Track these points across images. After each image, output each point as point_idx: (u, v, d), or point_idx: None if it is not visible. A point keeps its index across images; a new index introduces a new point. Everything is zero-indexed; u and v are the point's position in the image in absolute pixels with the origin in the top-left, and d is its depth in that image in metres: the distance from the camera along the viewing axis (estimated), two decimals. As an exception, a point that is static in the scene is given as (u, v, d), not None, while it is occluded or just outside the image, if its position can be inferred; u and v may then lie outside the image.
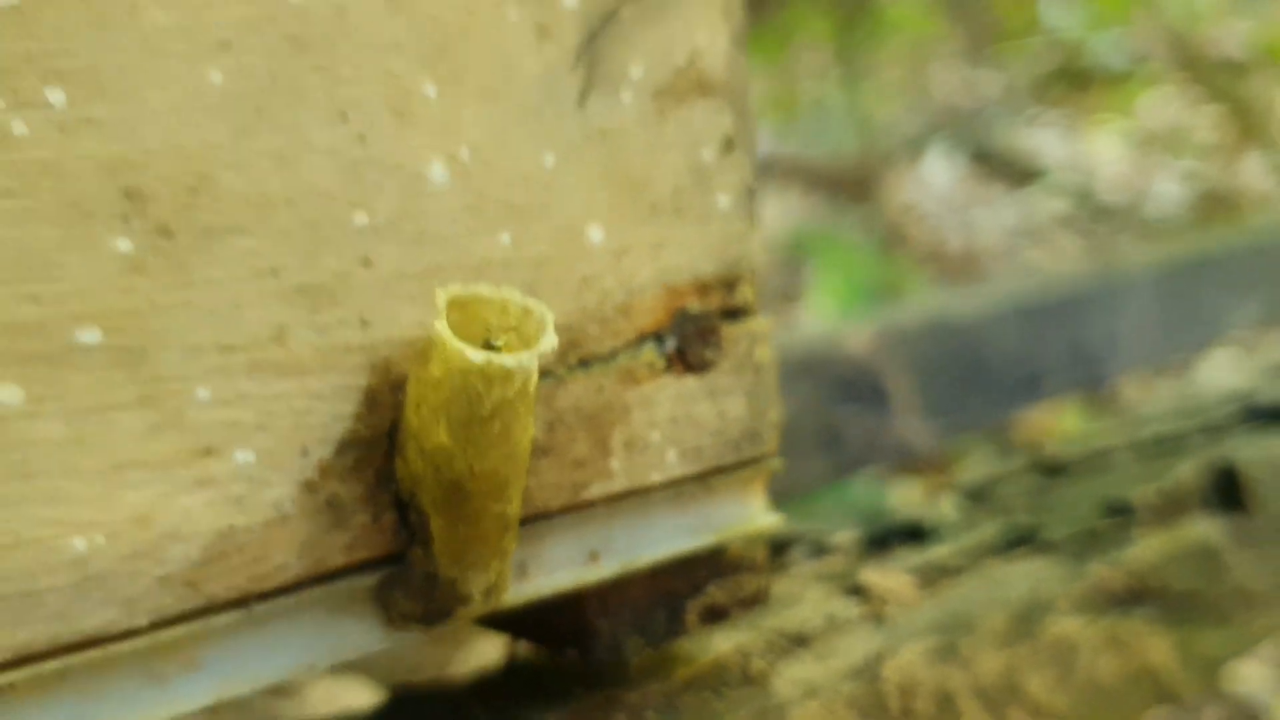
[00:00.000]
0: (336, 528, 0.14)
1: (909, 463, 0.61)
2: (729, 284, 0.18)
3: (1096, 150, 3.81)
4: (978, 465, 0.37)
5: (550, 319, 0.13)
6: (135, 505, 0.12)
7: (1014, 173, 3.30)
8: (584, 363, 0.16)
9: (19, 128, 0.12)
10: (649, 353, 0.17)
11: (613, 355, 0.16)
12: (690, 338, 0.17)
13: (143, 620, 0.13)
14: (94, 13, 0.12)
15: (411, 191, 0.14)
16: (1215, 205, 3.26)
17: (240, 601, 0.13)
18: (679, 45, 0.16)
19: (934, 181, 3.38)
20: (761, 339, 0.18)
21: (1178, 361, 0.92)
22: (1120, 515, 0.26)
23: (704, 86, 0.17)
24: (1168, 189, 3.40)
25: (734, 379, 0.18)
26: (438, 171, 0.15)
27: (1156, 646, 0.25)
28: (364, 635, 0.15)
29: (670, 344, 0.17)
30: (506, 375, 0.13)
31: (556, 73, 0.16)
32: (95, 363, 0.12)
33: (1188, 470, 0.29)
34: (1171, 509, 0.27)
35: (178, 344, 0.13)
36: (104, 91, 0.12)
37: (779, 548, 0.24)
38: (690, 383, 0.17)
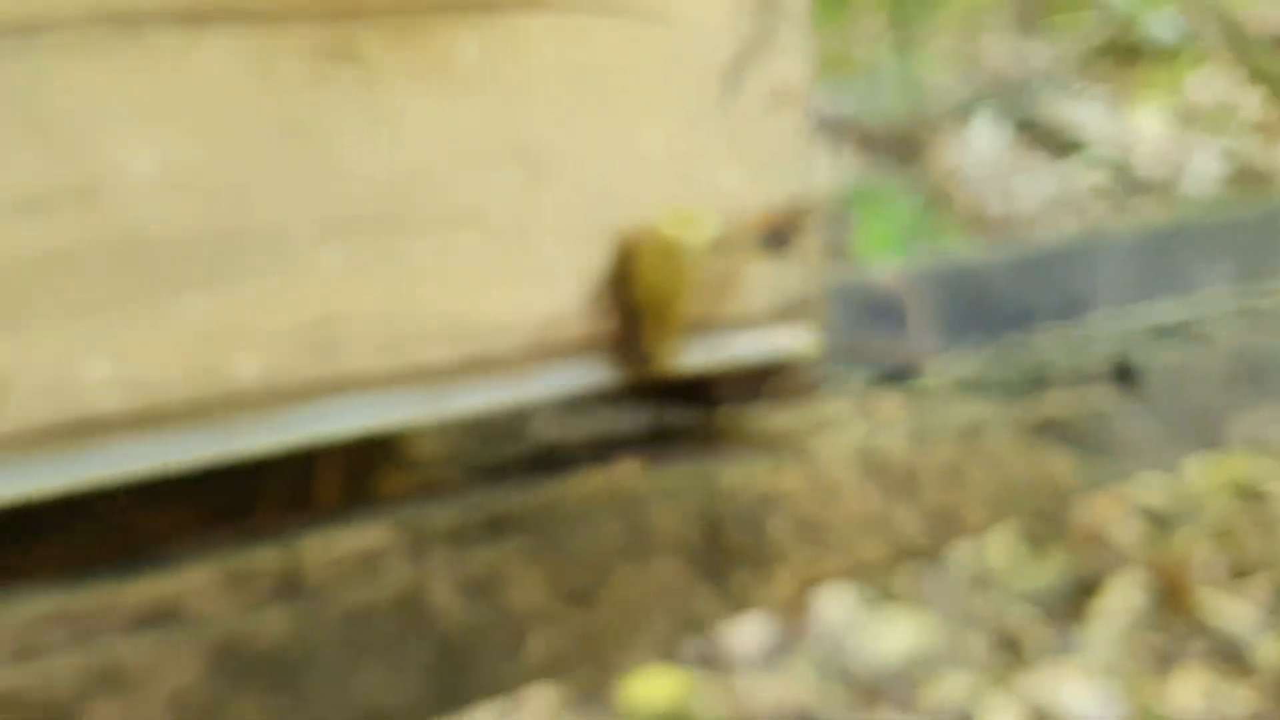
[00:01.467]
0: (595, 319, 0.28)
1: (917, 364, 0.75)
2: (798, 210, 0.32)
3: (1139, 124, 3.87)
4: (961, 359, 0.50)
5: (715, 221, 0.27)
6: (522, 298, 0.27)
7: (1056, 143, 3.38)
8: (714, 243, 0.30)
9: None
10: (751, 243, 0.31)
11: (730, 242, 0.31)
12: (774, 237, 0.31)
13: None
14: None
15: (643, 154, 0.29)
16: (1251, 182, 3.33)
17: (556, 354, 0.28)
18: (782, 75, 0.30)
19: (979, 147, 3.46)
20: (816, 245, 0.32)
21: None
22: (1043, 382, 0.40)
23: (787, 98, 0.31)
24: (1205, 165, 3.46)
25: (797, 264, 0.32)
26: (654, 146, 0.29)
27: (1058, 463, 0.39)
28: (601, 377, 0.29)
29: (764, 240, 0.31)
30: (692, 243, 0.27)
31: (712, 93, 0.30)
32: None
33: (1099, 357, 0.43)
34: (1081, 380, 0.41)
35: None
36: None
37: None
38: (773, 264, 0.31)
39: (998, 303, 0.73)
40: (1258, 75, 2.65)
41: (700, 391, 0.32)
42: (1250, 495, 1.79)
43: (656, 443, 0.32)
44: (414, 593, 0.25)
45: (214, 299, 0.23)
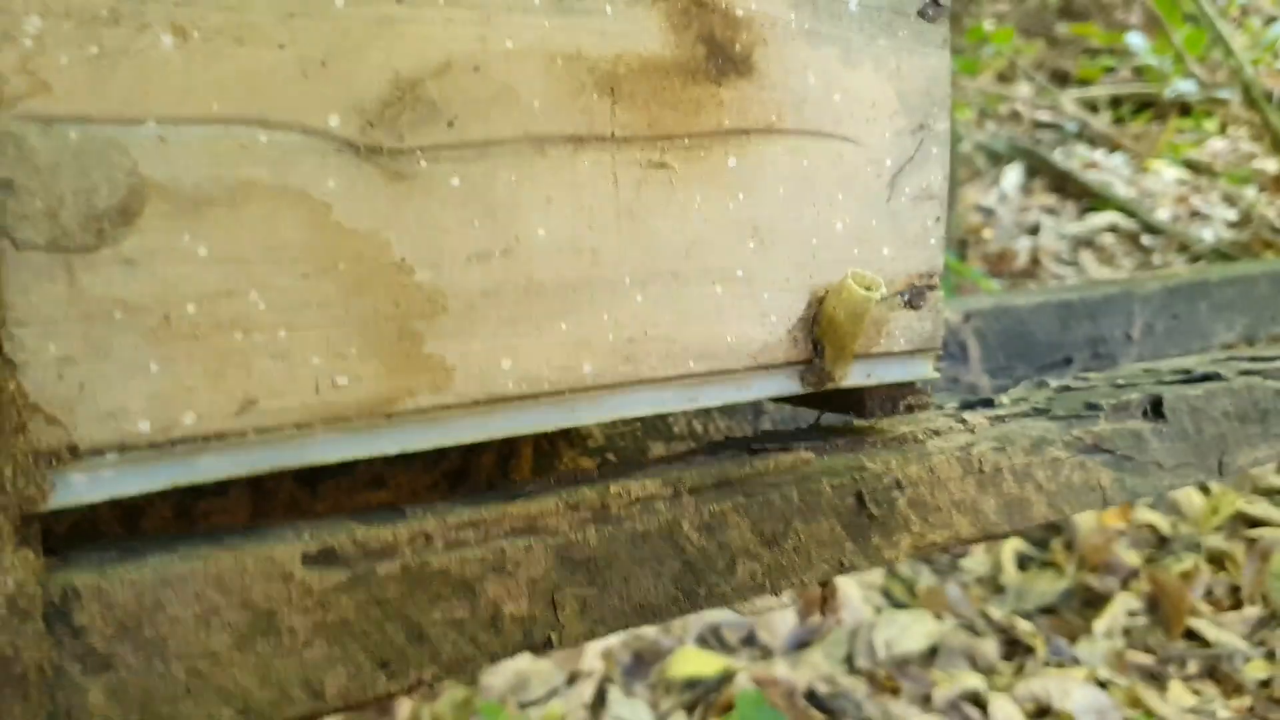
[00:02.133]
0: (794, 347, 0.40)
1: (979, 391, 0.86)
2: (930, 274, 0.44)
3: (1160, 173, 3.98)
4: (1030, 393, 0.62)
5: (883, 284, 0.39)
6: (749, 331, 0.39)
7: (1081, 189, 3.49)
8: (879, 302, 0.42)
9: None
10: (898, 299, 0.43)
11: (886, 299, 0.43)
12: (914, 296, 0.43)
13: (743, 365, 0.39)
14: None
15: (832, 231, 0.41)
16: (1259, 231, 3.44)
17: (766, 369, 0.40)
18: (928, 179, 0.42)
19: (1008, 191, 3.58)
20: (940, 300, 0.44)
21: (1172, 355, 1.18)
22: (1095, 410, 0.52)
23: (931, 195, 0.43)
24: (1217, 214, 3.58)
25: (928, 314, 0.44)
26: (840, 227, 0.41)
27: (1104, 475, 0.51)
28: (793, 387, 0.41)
29: (907, 296, 0.43)
30: (867, 299, 0.39)
31: (882, 190, 0.42)
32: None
33: (1137, 395, 0.54)
34: (1123, 412, 0.53)
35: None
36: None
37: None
38: (911, 313, 0.43)
39: (1041, 342, 0.85)
40: (1272, 133, 2.76)
41: (855, 403, 0.44)
42: (1247, 526, 1.90)
43: (822, 438, 0.44)
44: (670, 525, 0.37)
45: (573, 323, 0.35)
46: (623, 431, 0.61)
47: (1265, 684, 1.72)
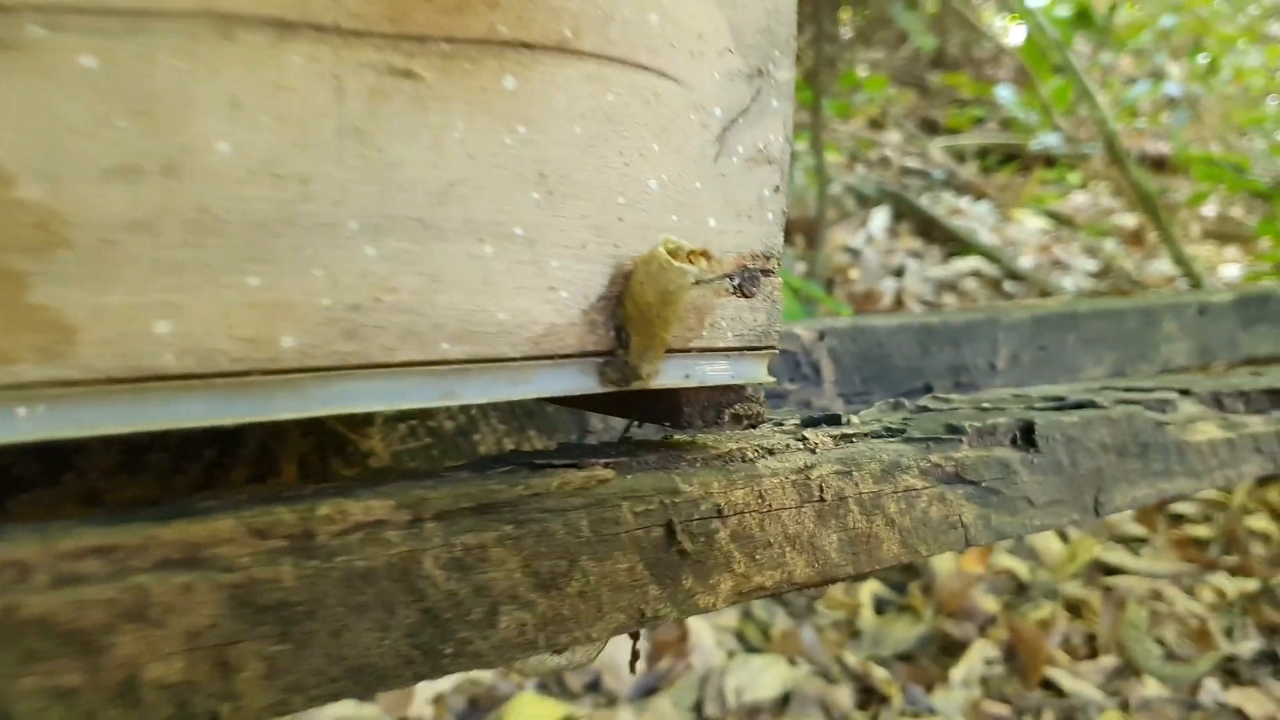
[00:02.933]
0: (590, 333, 0.31)
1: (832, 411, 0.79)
2: (767, 256, 0.35)
3: (1023, 223, 4.07)
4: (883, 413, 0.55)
5: (705, 257, 0.31)
6: (529, 307, 0.30)
7: (946, 235, 3.54)
8: (700, 283, 0.34)
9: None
10: (727, 283, 0.34)
11: (711, 281, 0.34)
12: (746, 280, 0.35)
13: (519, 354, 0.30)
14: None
15: (644, 190, 0.32)
16: (1117, 282, 3.52)
17: (552, 359, 0.31)
18: (767, 138, 0.34)
19: (875, 234, 3.60)
20: (777, 287, 0.36)
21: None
22: (958, 434, 0.45)
23: (770, 159, 0.35)
24: (1078, 264, 3.66)
25: (762, 304, 0.36)
26: (654, 185, 0.32)
27: (966, 511, 0.43)
28: (589, 384, 0.32)
29: (737, 280, 0.35)
30: (683, 273, 0.30)
31: (708, 145, 0.33)
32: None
33: (1006, 420, 0.47)
34: (989, 438, 0.46)
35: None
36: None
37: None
38: (742, 302, 0.35)
39: (900, 366, 0.78)
40: (1136, 189, 2.82)
41: (670, 410, 0.35)
42: (1104, 573, 1.89)
43: (629, 452, 0.35)
44: (409, 560, 0.28)
45: (268, 277, 0.25)
46: (414, 448, 0.52)
47: (1117, 735, 1.70)
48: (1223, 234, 4.13)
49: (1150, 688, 1.80)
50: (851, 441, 0.41)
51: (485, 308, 0.29)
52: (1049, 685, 1.77)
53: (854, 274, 3.38)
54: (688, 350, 0.34)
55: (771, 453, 0.38)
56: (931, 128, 5.04)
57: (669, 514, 0.33)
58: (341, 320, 0.27)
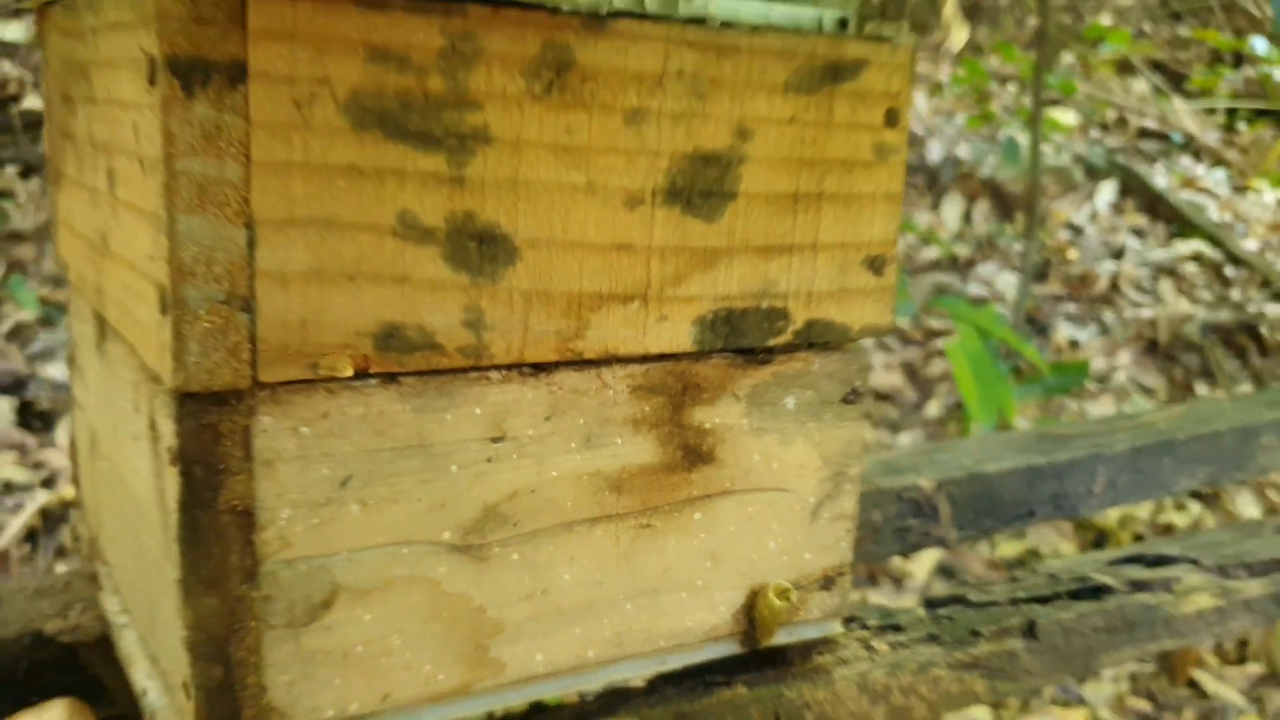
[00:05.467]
0: (734, 624, 0.61)
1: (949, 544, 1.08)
2: (841, 567, 0.64)
3: (1261, 194, 4.00)
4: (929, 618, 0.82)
5: (794, 591, 0.60)
6: (704, 618, 0.60)
7: (1172, 212, 3.55)
8: (791, 602, 0.63)
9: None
10: (815, 586, 0.63)
11: (810, 587, 0.63)
12: (827, 582, 0.64)
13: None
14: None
15: (767, 550, 0.61)
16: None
17: (715, 640, 0.61)
18: (842, 506, 0.63)
19: (1100, 209, 3.65)
20: (848, 581, 0.65)
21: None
22: (976, 636, 0.72)
23: (844, 516, 0.63)
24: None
25: (838, 593, 0.64)
26: (773, 546, 0.61)
27: (979, 685, 0.71)
28: (734, 649, 0.62)
29: (822, 583, 0.64)
30: (783, 606, 0.60)
31: (806, 518, 0.62)
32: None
33: (1016, 620, 0.74)
34: (1002, 636, 0.73)
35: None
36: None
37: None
38: (825, 593, 0.64)
39: (1008, 500, 1.04)
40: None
41: (780, 653, 0.65)
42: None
43: (758, 668, 0.65)
44: (642, 745, 0.59)
45: (584, 627, 0.57)
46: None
47: (1255, 739, 1.89)
48: None
49: (1293, 698, 1.96)
50: (904, 647, 0.70)
51: (682, 622, 0.60)
52: (1194, 685, 1.97)
53: (1072, 254, 3.47)
54: (794, 624, 0.63)
55: (845, 663, 0.67)
56: (1176, 81, 4.89)
57: (777, 709, 0.63)
58: (614, 639, 0.58)
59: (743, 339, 0.57)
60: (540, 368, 0.53)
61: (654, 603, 0.59)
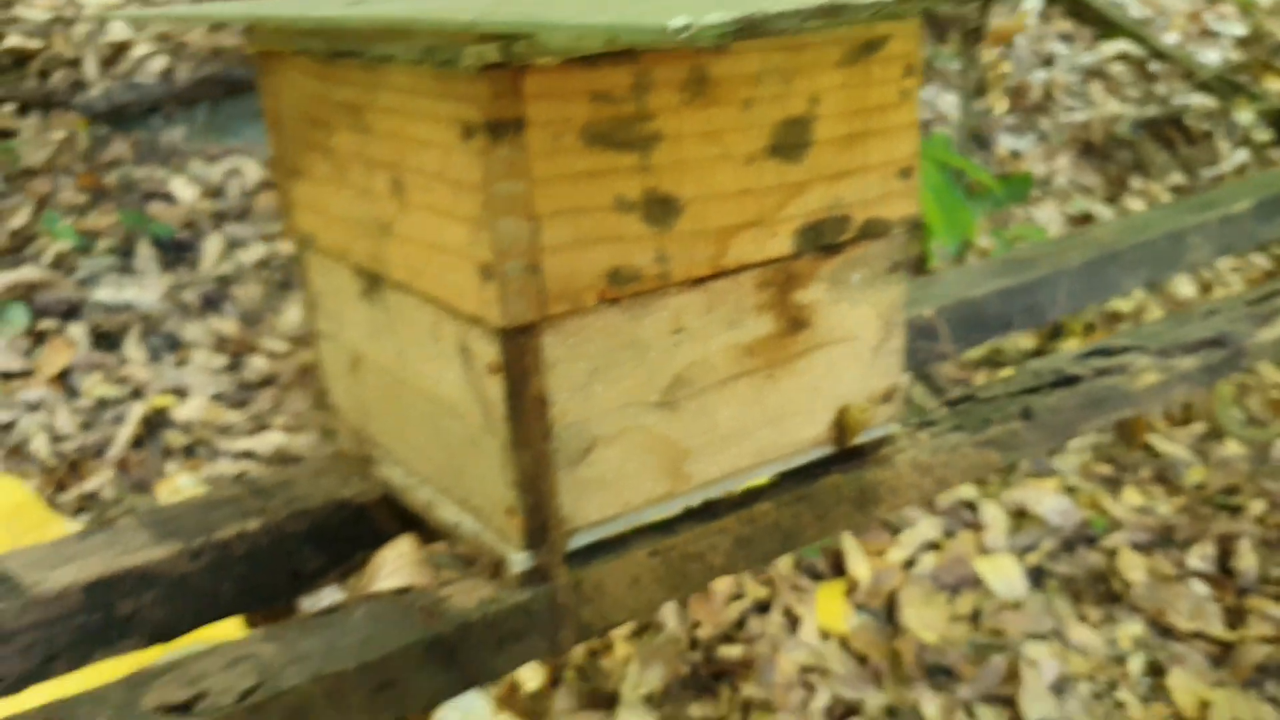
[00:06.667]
0: (828, 434, 0.89)
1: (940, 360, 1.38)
2: (893, 389, 0.92)
3: (1175, -3, 4.20)
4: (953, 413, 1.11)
5: (869, 407, 0.88)
6: (806, 428, 0.87)
7: (1096, 15, 3.78)
8: (867, 416, 0.91)
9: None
10: (881, 402, 0.91)
11: (875, 402, 0.91)
12: (888, 398, 0.92)
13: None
14: (808, 360, 0.87)
15: (846, 380, 0.89)
16: (1259, 56, 3.74)
17: (817, 445, 0.89)
18: (894, 346, 0.90)
19: (1027, 21, 3.87)
20: (903, 396, 0.92)
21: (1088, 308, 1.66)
22: (988, 423, 1.01)
23: (894, 352, 0.91)
24: (1227, 34, 3.87)
25: (894, 405, 0.92)
26: (849, 377, 0.89)
27: (993, 457, 1.00)
28: (829, 450, 0.90)
29: (884, 399, 0.91)
30: (861, 419, 0.88)
31: (870, 354, 0.89)
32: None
33: (1015, 407, 1.03)
34: (1007, 419, 1.02)
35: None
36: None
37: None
38: (887, 405, 0.92)
39: (991, 313, 1.32)
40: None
41: (858, 450, 0.93)
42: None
43: (847, 460, 0.93)
44: (778, 520, 0.88)
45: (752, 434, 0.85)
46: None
47: (1200, 487, 2.25)
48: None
49: (1230, 448, 2.33)
50: (938, 435, 0.98)
51: (794, 435, 0.87)
52: (1148, 448, 2.32)
53: (1006, 67, 3.70)
54: (866, 428, 0.91)
55: (901, 450, 0.95)
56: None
57: (859, 484, 0.91)
58: (732, 438, 0.86)
59: (823, 239, 0.84)
60: (700, 280, 0.79)
61: (778, 425, 0.86)
